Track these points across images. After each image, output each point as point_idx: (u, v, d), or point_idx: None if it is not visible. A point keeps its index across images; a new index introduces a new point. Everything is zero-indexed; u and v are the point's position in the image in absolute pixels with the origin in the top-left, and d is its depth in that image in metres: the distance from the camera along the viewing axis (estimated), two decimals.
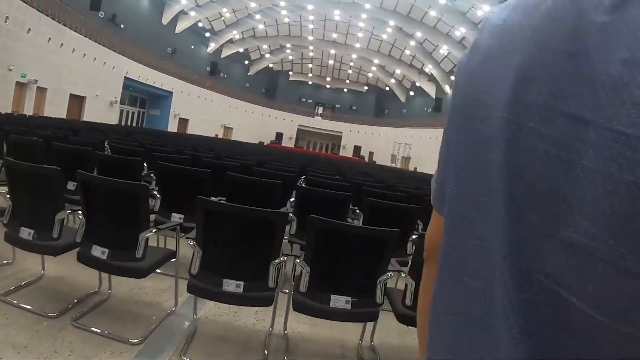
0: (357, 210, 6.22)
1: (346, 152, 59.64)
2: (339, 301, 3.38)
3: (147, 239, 3.45)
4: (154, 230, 3.52)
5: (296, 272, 3.64)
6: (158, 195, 5.09)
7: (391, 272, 3.47)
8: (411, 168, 49.86)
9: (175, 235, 4.30)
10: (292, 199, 6.88)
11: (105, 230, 3.53)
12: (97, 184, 3.55)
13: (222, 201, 5.29)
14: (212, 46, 51.54)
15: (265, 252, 3.32)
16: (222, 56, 53.56)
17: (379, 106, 65.20)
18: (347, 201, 5.62)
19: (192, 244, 3.30)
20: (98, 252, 3.43)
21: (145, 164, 6.75)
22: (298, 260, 3.41)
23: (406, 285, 3.49)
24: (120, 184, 3.40)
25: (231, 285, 3.28)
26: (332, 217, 5.05)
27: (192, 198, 5.18)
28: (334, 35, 54.10)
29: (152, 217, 4.81)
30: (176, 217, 4.97)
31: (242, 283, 3.30)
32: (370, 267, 3.45)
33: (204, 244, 3.27)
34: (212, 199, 5.66)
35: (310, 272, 3.35)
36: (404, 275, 3.55)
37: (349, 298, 3.39)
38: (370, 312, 3.46)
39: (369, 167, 30.99)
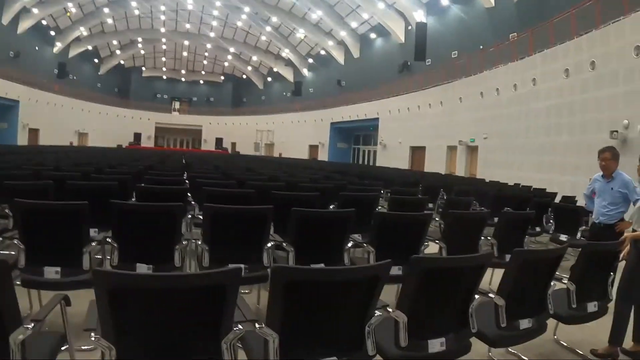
0: None
1: (208, 145, 58.09)
2: None
3: (24, 342, 2.14)
4: (31, 326, 2.16)
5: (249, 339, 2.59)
6: (21, 245, 3.69)
7: (378, 312, 2.66)
8: (276, 154, 49.82)
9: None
10: (189, 216, 5.70)
11: None
12: None
13: (108, 239, 4.04)
14: (59, 46, 46.24)
15: (214, 328, 2.19)
16: (70, 56, 48.34)
17: (237, 95, 64.33)
18: (268, 217, 4.51)
19: (95, 338, 2.06)
20: None
21: None
22: (258, 327, 2.36)
23: (396, 322, 2.73)
24: None
25: None
26: (253, 243, 3.95)
27: (68, 241, 3.92)
28: (187, 26, 51.64)
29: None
30: (51, 272, 3.63)
31: None
32: (359, 313, 2.60)
33: (117, 337, 2.03)
34: (94, 233, 4.39)
35: (280, 338, 2.33)
36: (391, 311, 2.73)
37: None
38: None
39: (239, 158, 29.89)
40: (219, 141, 58.30)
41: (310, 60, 51.72)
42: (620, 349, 4.27)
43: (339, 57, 45.81)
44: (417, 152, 30.78)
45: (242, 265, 4.21)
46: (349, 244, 4.80)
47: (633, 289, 4.23)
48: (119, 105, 53.93)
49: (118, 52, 56.55)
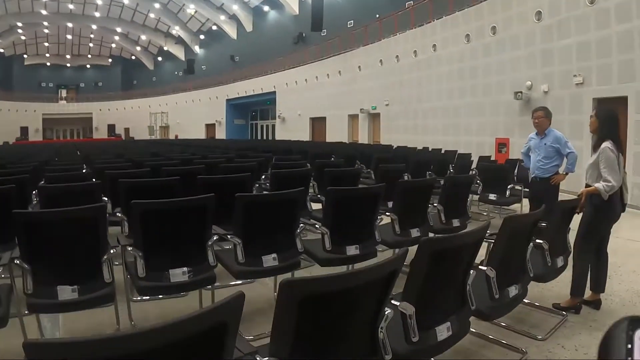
0: None
1: (100, 133, 54.84)
2: None
3: None
4: None
5: None
6: None
7: (388, 310, 2.26)
8: (172, 136, 48.29)
9: None
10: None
11: None
12: None
13: (17, 260, 3.19)
14: None
15: None
16: None
17: (127, 78, 61.04)
18: (209, 207, 3.76)
19: None
20: None
21: None
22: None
23: (404, 315, 2.38)
24: None
25: None
26: (194, 240, 3.39)
27: None
28: (70, 7, 47.40)
29: None
30: None
31: None
32: (373, 314, 2.20)
33: None
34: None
35: None
36: (397, 304, 2.38)
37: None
38: None
39: (136, 144, 28.20)
40: (111, 128, 55.30)
41: (202, 37, 49.91)
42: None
43: (232, 32, 44.42)
44: (318, 123, 30.41)
45: (185, 269, 3.54)
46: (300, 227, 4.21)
47: (590, 242, 4.45)
48: (1, 98, 48.93)
49: None
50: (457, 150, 13.89)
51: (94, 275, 3.30)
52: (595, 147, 4.48)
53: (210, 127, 45.51)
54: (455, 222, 5.64)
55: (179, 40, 51.99)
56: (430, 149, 15.51)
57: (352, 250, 4.34)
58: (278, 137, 34.96)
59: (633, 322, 0.66)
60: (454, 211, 5.73)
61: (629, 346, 0.65)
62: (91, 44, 57.92)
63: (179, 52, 53.12)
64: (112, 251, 3.48)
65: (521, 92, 14.37)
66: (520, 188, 8.26)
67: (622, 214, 4.57)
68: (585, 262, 4.46)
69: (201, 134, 45.29)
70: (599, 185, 4.27)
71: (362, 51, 25.14)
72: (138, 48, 57.56)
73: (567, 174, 6.28)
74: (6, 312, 2.97)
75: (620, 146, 4.44)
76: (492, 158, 12.68)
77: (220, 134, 43.07)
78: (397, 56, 21.83)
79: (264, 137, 41.09)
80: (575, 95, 12.69)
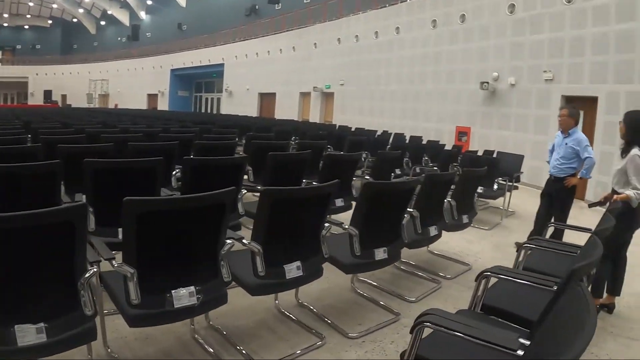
0: None
1: (35, 99, 50.80)
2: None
3: None
4: None
5: None
6: None
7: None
8: (111, 105, 45.60)
9: None
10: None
11: None
12: None
13: None
14: None
15: None
16: None
17: (67, 41, 56.98)
18: (229, 206, 2.64)
19: None
20: None
21: None
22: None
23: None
24: None
25: None
26: (204, 248, 2.65)
27: None
28: None
29: None
30: None
31: None
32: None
33: None
34: None
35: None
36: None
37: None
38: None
39: (76, 111, 25.81)
40: (47, 94, 51.18)
41: (149, 2, 46.61)
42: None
43: None
44: (267, 99, 29.00)
45: (193, 288, 2.53)
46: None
47: (610, 248, 4.17)
48: None
49: None
50: (421, 137, 13.32)
51: (68, 306, 2.17)
52: (623, 152, 4.47)
53: (152, 98, 42.82)
54: (465, 219, 5.32)
55: (124, 5, 48.62)
56: (391, 134, 14.68)
57: (380, 254, 3.67)
58: (223, 111, 33.25)
59: None
60: (464, 207, 5.30)
61: None
62: (31, 3, 53.06)
63: (124, 17, 49.82)
64: (93, 270, 2.30)
65: (487, 83, 13.90)
66: (504, 182, 8.07)
67: None
68: (604, 266, 4.33)
69: (142, 104, 42.58)
70: (630, 192, 4.21)
71: (319, 28, 24.00)
72: (80, 10, 53.53)
73: (581, 178, 6.07)
74: None
75: None
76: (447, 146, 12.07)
77: (163, 105, 40.54)
78: (356, 36, 20.86)
79: (209, 111, 39.11)
80: (543, 91, 12.42)
